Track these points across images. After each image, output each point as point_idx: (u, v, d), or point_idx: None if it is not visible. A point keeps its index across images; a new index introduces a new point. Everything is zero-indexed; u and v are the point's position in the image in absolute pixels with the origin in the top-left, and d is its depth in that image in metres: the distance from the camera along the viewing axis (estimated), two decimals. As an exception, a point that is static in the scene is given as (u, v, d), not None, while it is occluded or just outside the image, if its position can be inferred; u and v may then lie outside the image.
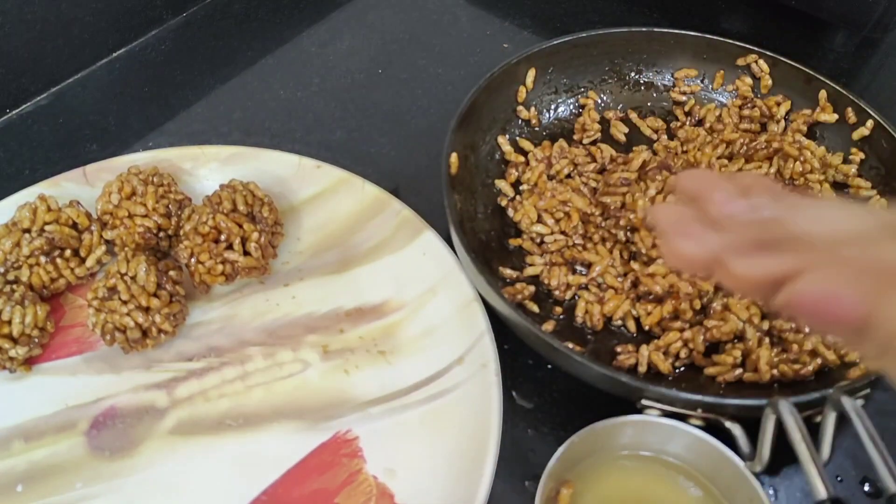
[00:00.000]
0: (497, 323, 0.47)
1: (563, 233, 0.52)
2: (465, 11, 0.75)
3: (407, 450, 0.43)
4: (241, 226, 0.49)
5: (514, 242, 0.53)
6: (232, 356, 0.48)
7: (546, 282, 0.50)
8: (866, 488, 0.43)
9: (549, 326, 0.48)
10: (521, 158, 0.57)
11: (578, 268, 0.51)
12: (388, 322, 0.49)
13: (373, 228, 0.53)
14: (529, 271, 0.51)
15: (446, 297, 0.49)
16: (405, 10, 0.75)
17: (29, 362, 0.47)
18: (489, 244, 0.53)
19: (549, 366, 0.48)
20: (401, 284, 0.50)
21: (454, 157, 0.52)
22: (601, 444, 0.41)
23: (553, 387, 0.48)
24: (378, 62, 0.70)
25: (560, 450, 0.39)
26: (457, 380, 0.45)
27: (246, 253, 0.49)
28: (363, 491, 0.42)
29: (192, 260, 0.49)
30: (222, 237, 0.49)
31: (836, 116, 0.57)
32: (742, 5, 0.74)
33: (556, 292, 0.50)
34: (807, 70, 0.58)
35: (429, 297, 0.49)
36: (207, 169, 0.56)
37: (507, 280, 0.50)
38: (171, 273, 0.48)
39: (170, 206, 0.51)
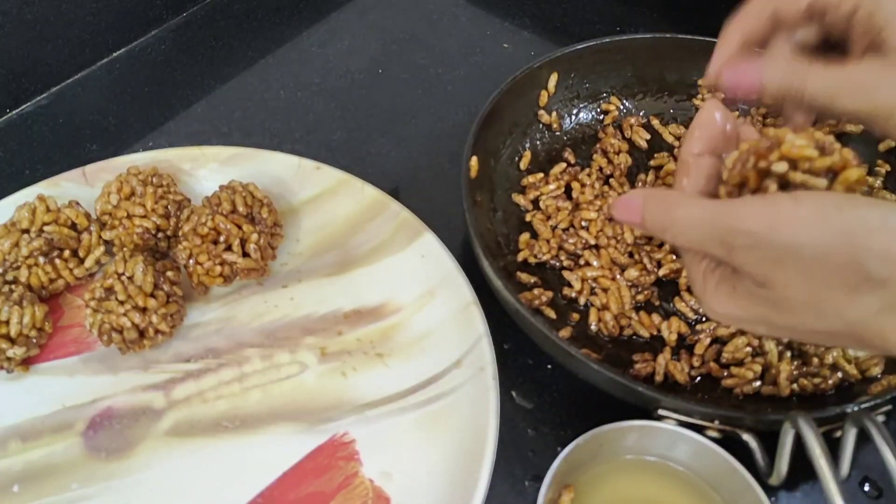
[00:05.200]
0: (496, 324, 0.47)
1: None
2: (465, 11, 0.75)
3: (404, 453, 0.43)
4: (240, 227, 0.49)
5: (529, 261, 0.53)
6: (229, 358, 0.48)
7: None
8: (866, 488, 0.43)
9: (565, 333, 0.48)
10: (540, 176, 0.56)
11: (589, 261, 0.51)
12: (386, 324, 0.49)
13: (372, 230, 0.53)
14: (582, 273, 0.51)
15: (445, 299, 0.49)
16: (405, 10, 0.75)
17: (27, 362, 0.47)
18: (506, 248, 0.53)
19: (550, 366, 0.48)
20: (399, 287, 0.50)
21: (474, 161, 0.52)
22: (605, 447, 0.41)
23: (553, 387, 0.47)
24: (378, 62, 0.70)
25: (563, 453, 0.38)
26: (454, 383, 0.45)
27: (245, 254, 0.49)
28: (359, 494, 0.42)
29: (191, 261, 0.49)
30: (221, 238, 0.49)
31: (861, 127, 0.56)
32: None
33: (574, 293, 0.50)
34: None
35: (427, 299, 0.49)
36: (207, 170, 0.56)
37: (525, 285, 0.50)
38: (169, 273, 0.48)
39: (169, 206, 0.51)
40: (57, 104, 0.66)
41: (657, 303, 0.50)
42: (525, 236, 0.53)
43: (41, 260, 0.49)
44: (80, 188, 0.54)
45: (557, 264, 0.52)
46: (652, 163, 0.58)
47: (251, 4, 0.76)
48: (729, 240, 0.30)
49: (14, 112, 0.65)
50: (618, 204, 0.35)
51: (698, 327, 0.48)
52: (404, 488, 0.42)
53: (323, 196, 0.55)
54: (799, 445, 0.36)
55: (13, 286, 0.48)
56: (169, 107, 0.66)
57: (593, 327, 0.48)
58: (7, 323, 0.46)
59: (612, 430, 0.40)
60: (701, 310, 0.49)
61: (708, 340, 0.47)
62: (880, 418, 0.37)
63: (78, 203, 0.51)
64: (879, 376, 0.45)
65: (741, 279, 0.31)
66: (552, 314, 0.49)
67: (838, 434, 0.38)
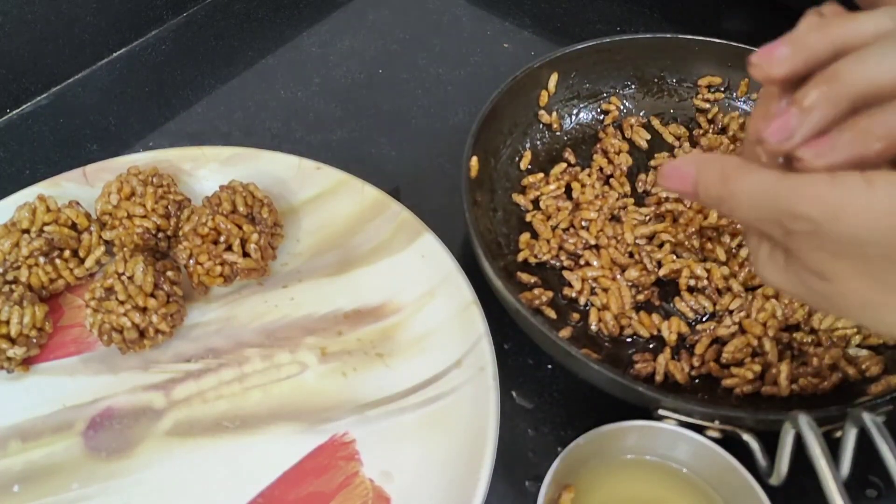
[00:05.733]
0: (496, 324, 0.47)
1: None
2: (465, 11, 0.75)
3: (404, 453, 0.43)
4: (240, 227, 0.49)
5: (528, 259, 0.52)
6: (230, 358, 0.48)
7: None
8: (866, 488, 0.43)
9: (566, 333, 0.48)
10: (541, 176, 0.56)
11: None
12: (386, 324, 0.49)
13: (372, 230, 0.53)
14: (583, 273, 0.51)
15: (445, 299, 0.49)
16: (405, 10, 0.75)
17: (27, 362, 0.47)
18: (507, 248, 0.53)
19: (550, 366, 0.48)
20: (399, 287, 0.50)
21: (474, 161, 0.52)
22: (605, 447, 0.41)
23: (553, 387, 0.48)
24: (378, 62, 0.70)
25: (563, 453, 0.38)
26: (454, 383, 0.45)
27: (245, 254, 0.49)
28: (359, 494, 0.42)
29: (191, 261, 0.49)
30: (221, 238, 0.49)
31: None
32: (742, 5, 0.74)
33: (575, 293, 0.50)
34: None
35: (427, 299, 0.49)
36: (207, 169, 0.56)
37: (526, 285, 0.50)
38: (169, 273, 0.48)
39: (169, 206, 0.51)
40: (57, 104, 0.66)
41: (657, 303, 0.50)
42: (525, 236, 0.53)
43: (41, 260, 0.49)
44: (80, 188, 0.54)
45: (557, 264, 0.52)
46: (652, 163, 0.58)
47: (251, 4, 0.76)
48: (786, 223, 0.26)
49: (14, 112, 0.65)
50: (665, 172, 0.31)
51: (698, 327, 0.48)
52: (404, 488, 0.42)
53: (323, 196, 0.55)
54: (799, 445, 0.36)
55: (13, 286, 0.48)
56: (169, 107, 0.66)
57: (593, 327, 0.48)
58: (7, 323, 0.46)
59: (612, 430, 0.40)
60: (712, 307, 0.49)
61: (708, 340, 0.47)
62: (880, 418, 0.36)
63: (78, 203, 0.52)
64: (879, 376, 0.45)
65: (792, 262, 0.28)
66: (552, 314, 0.49)
67: (838, 434, 0.38)
